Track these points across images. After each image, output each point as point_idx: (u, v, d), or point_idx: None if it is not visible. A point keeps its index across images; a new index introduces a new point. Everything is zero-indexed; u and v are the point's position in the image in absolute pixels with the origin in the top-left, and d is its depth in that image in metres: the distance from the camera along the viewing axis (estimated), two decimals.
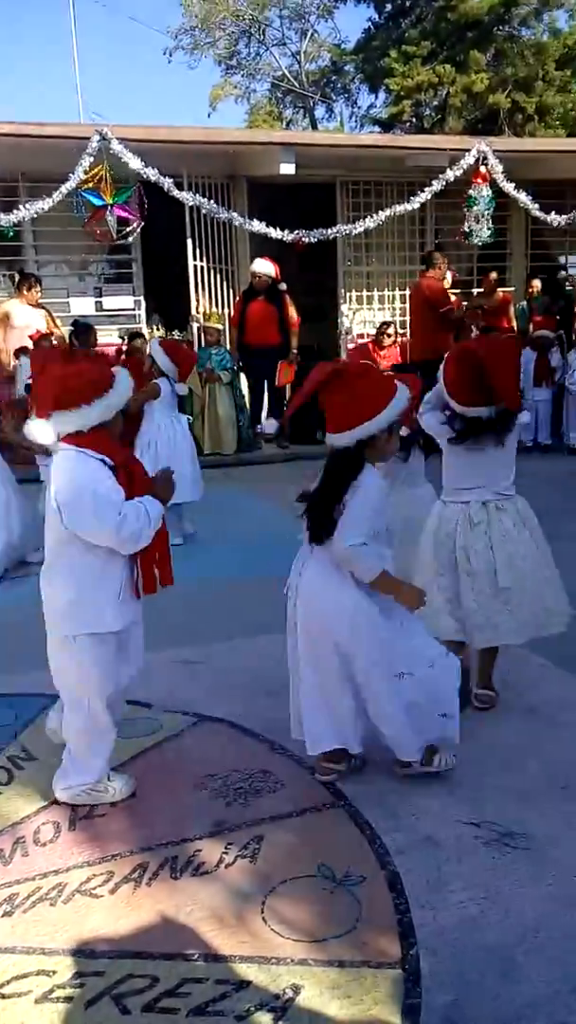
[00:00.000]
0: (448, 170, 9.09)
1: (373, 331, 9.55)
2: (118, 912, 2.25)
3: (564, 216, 9.63)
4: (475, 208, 9.12)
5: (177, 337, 9.04)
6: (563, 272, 11.39)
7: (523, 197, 9.40)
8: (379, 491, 2.66)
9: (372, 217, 9.12)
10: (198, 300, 9.48)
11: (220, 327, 9.16)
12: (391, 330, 9.23)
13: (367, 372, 2.77)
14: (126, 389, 2.63)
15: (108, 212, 7.45)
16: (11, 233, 7.36)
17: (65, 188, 7.06)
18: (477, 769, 2.86)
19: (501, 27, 21.78)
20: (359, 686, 2.70)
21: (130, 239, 8.49)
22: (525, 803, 2.66)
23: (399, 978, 2.00)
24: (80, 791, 2.71)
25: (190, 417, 5.65)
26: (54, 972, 2.05)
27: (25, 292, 8.07)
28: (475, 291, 10.49)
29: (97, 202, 7.22)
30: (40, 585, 2.68)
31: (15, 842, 2.55)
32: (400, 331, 9.85)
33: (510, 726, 3.18)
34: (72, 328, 8.31)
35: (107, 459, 2.56)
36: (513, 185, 9.34)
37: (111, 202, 7.28)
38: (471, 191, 9.09)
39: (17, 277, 8.41)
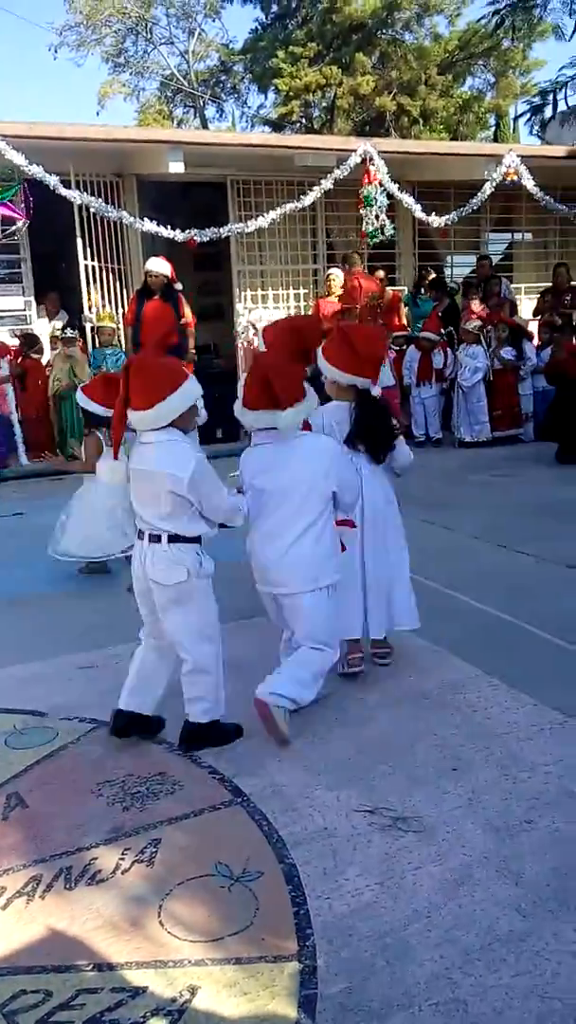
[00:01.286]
0: (336, 169, 9.24)
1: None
2: (10, 928, 2.19)
3: (445, 217, 9.96)
4: (373, 206, 9.31)
5: (69, 334, 8.82)
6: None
7: (407, 198, 9.66)
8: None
9: (264, 216, 9.18)
10: (90, 299, 9.31)
11: (113, 326, 9.02)
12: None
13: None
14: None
15: None
16: None
17: None
18: (372, 757, 2.92)
19: (384, 31, 22.26)
20: (392, 564, 3.52)
21: (16, 237, 8.25)
22: (417, 786, 2.74)
23: (296, 971, 2.02)
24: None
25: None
26: None
27: None
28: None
29: None
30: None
31: None
32: None
33: (402, 711, 3.25)
34: None
35: None
36: (397, 186, 9.58)
37: None
38: (364, 189, 9.28)
39: None
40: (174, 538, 2.90)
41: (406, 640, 3.77)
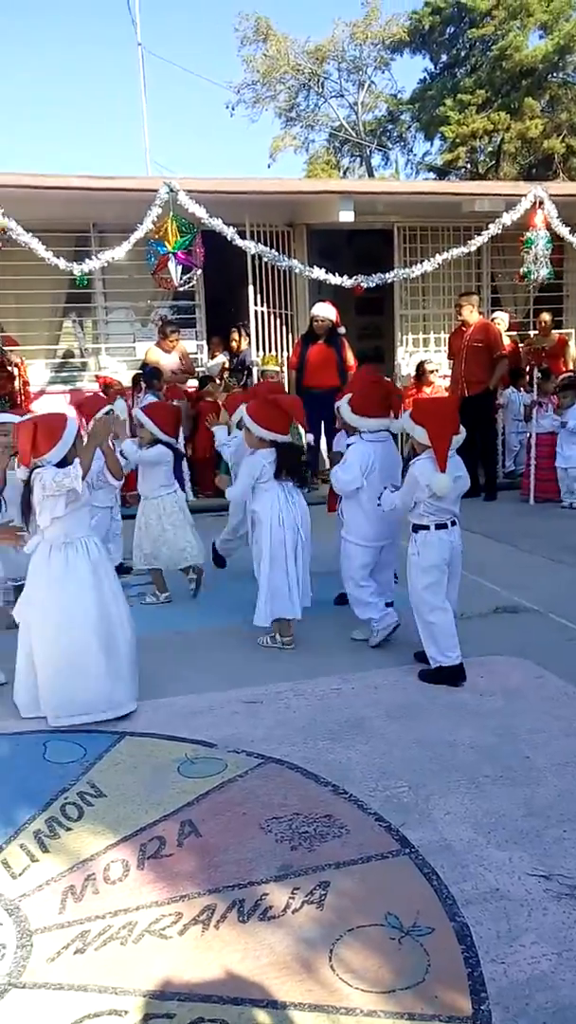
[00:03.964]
0: (505, 214, 9.19)
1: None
2: (187, 954, 2.27)
3: None
4: (533, 249, 9.17)
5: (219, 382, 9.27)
6: None
7: None
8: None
9: (429, 261, 9.24)
10: (258, 345, 9.67)
11: (278, 369, 9.31)
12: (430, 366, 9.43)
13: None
14: None
15: (170, 260, 7.68)
16: (85, 282, 7.64)
17: (134, 238, 7.30)
18: (543, 819, 2.83)
19: (555, 74, 22.02)
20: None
21: (192, 284, 8.72)
22: None
23: None
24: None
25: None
26: (126, 1012, 2.07)
27: (162, 340, 8.93)
28: (531, 333, 10.50)
29: (163, 251, 7.45)
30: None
31: (86, 879, 2.59)
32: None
33: (570, 774, 3.12)
34: (140, 372, 8.55)
35: None
36: (568, 229, 9.38)
37: (172, 250, 7.51)
38: (528, 233, 9.16)
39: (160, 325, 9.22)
40: None
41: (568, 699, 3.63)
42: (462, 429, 4.02)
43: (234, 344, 10.56)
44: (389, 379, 5.52)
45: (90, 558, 3.70)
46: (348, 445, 4.65)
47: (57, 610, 3.62)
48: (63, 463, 3.59)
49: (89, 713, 3.64)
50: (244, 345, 10.13)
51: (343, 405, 4.63)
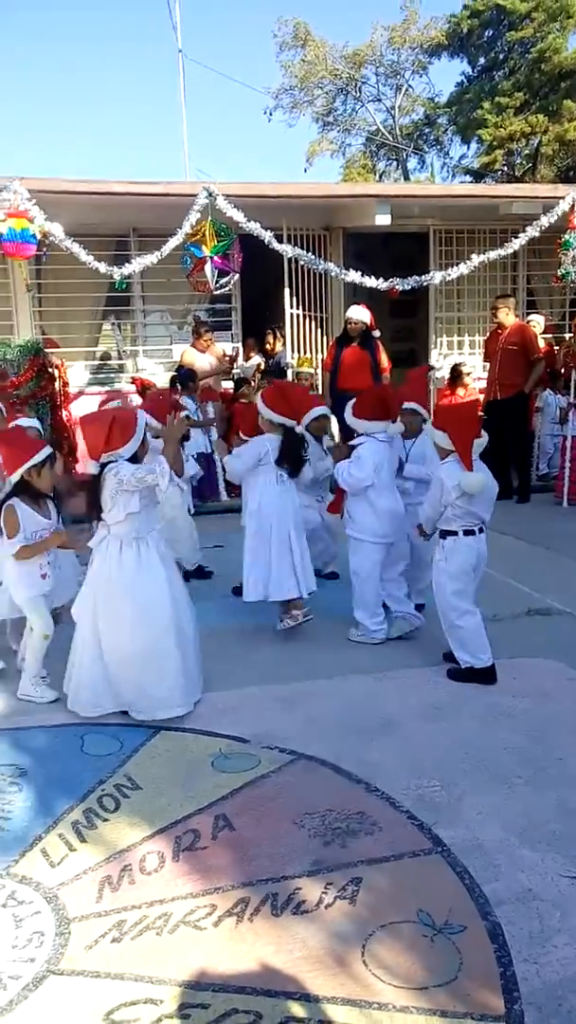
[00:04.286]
0: (543, 216, 9.13)
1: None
2: (221, 946, 2.30)
3: None
4: (572, 251, 9.11)
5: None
6: None
7: None
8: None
9: (466, 263, 9.20)
10: (293, 347, 9.71)
11: (312, 371, 9.34)
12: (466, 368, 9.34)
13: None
14: None
15: (207, 263, 7.75)
16: (124, 285, 7.74)
17: (173, 243, 7.38)
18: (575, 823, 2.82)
19: None
20: None
21: (228, 288, 8.79)
22: None
23: None
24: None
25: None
26: (161, 1001, 2.11)
27: (196, 340, 8.89)
28: (567, 335, 10.40)
29: (199, 254, 7.53)
30: None
31: (123, 869, 2.63)
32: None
33: None
34: (176, 373, 8.64)
35: None
36: None
37: (210, 254, 7.58)
38: (566, 235, 9.09)
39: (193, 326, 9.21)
40: None
41: None
42: (484, 433, 4.03)
43: (268, 346, 10.62)
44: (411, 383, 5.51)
45: (159, 554, 3.75)
46: (352, 445, 4.75)
47: (133, 606, 3.63)
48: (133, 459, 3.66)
49: (169, 708, 3.66)
50: (279, 347, 10.17)
51: (347, 412, 4.79)
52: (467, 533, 4.00)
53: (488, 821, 2.85)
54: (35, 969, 2.23)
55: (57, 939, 2.35)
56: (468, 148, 25.35)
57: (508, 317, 8.91)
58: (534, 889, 2.49)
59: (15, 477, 3.96)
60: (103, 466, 3.65)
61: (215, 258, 7.97)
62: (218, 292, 8.17)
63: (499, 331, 8.90)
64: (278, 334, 10.13)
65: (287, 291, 9.43)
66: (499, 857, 2.64)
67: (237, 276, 8.25)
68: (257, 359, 10.37)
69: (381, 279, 8.41)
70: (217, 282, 8.09)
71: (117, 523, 3.67)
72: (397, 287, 8.64)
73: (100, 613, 3.68)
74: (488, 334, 9.41)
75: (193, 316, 9.68)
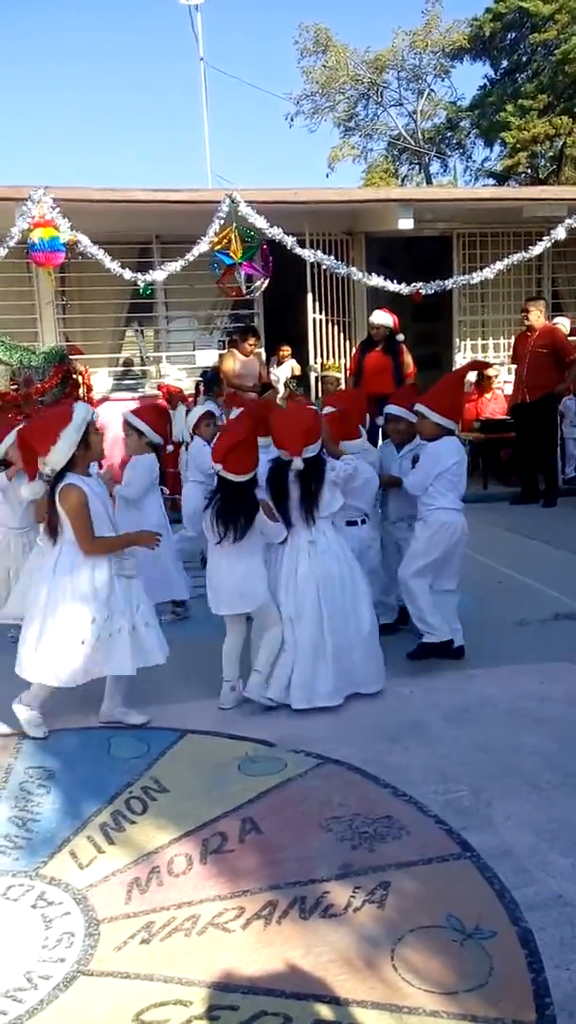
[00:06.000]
0: (568, 219, 9.07)
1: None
2: (250, 948, 2.30)
3: None
4: None
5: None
6: None
7: None
8: None
9: (490, 267, 9.16)
10: (316, 351, 9.72)
11: (338, 375, 9.35)
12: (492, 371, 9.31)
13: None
14: None
15: (237, 270, 7.80)
16: (149, 292, 7.79)
17: (197, 250, 7.43)
18: None
19: None
20: None
21: (255, 294, 8.83)
22: None
23: None
24: None
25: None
26: (190, 1003, 2.11)
27: (240, 344, 8.66)
28: None
29: (228, 261, 7.56)
30: None
31: (151, 871, 2.64)
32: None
33: None
34: (201, 377, 8.67)
35: None
36: None
37: (239, 260, 7.62)
38: None
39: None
40: None
41: None
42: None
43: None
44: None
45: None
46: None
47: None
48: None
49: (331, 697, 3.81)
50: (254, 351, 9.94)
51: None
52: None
53: (517, 826, 2.82)
54: (65, 969, 2.24)
55: (87, 940, 2.36)
56: (491, 151, 25.31)
57: (539, 319, 8.85)
58: (565, 895, 2.46)
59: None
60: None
61: (244, 264, 8.00)
62: (248, 296, 8.20)
63: (528, 333, 8.84)
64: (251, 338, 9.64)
65: (310, 296, 9.44)
66: (529, 863, 2.62)
67: (267, 280, 8.27)
68: (292, 363, 10.33)
69: (403, 283, 8.41)
70: (248, 287, 8.12)
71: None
72: (420, 291, 8.63)
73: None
74: (516, 336, 9.35)
75: (244, 321, 9.55)
